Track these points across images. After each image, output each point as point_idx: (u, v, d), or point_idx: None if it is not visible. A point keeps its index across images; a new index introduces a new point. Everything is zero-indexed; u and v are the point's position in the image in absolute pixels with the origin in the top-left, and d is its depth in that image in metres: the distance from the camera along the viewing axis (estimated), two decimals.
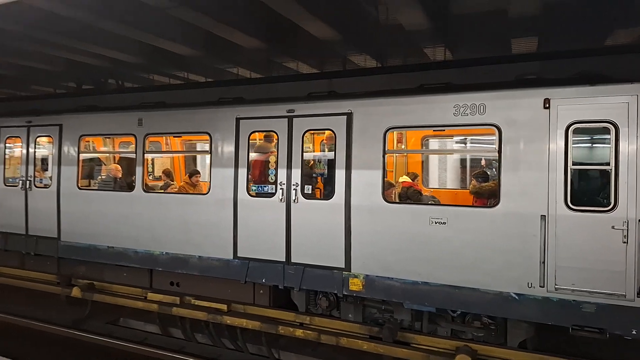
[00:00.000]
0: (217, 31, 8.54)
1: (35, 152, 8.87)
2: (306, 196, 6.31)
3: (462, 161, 7.57)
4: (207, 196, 7.05)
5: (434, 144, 7.10)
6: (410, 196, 6.33)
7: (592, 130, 5.14)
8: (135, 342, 6.73)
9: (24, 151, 8.93)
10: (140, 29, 9.04)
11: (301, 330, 6.17)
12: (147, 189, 7.76)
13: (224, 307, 6.62)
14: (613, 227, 4.74)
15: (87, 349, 6.71)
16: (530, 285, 5.08)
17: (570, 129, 5.00)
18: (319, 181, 6.81)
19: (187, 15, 7.88)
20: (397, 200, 6.26)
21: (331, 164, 6.34)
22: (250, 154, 6.82)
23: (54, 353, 6.62)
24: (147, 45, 10.21)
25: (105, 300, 7.72)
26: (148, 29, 9.12)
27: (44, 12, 8.48)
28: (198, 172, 7.59)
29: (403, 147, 7.28)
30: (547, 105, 5.07)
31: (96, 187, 8.51)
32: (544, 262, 5.00)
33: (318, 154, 7.07)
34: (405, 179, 6.83)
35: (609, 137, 4.88)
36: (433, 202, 6.36)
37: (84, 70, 13.60)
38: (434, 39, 8.44)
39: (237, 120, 6.88)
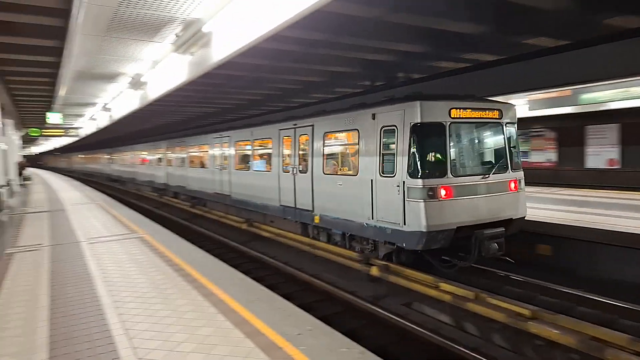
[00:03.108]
0: None
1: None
2: (300, 172, 10.84)
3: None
4: (270, 172, 12.22)
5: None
6: None
7: (390, 131, 8.19)
8: (428, 329, 6.68)
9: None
10: (425, 14, 8.94)
11: None
12: (259, 169, 13.29)
13: (527, 312, 5.83)
14: (395, 185, 7.93)
15: (385, 325, 7.04)
16: (369, 218, 8.55)
17: (382, 130, 8.34)
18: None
19: None
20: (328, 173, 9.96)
21: (308, 154, 10.59)
22: (282, 149, 11.65)
23: (359, 323, 7.21)
24: (433, 30, 10.07)
25: (399, 283, 8.09)
26: (433, 12, 8.94)
27: (342, 17, 9.39)
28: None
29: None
30: (374, 117, 8.52)
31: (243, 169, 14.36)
32: (372, 205, 8.43)
33: (305, 147, 10.86)
34: None
35: (395, 135, 8.03)
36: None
37: (377, 68, 14.68)
38: None
39: (279, 131, 11.88)
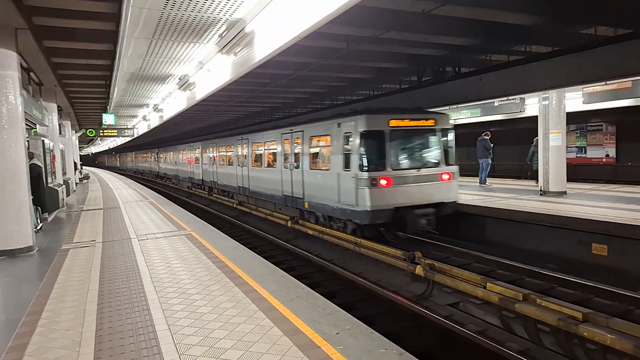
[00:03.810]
0: None
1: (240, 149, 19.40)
2: (295, 167, 13.62)
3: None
4: (275, 168, 15.18)
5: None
6: None
7: (349, 136, 10.73)
8: (474, 331, 6.43)
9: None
10: (475, 5, 8.62)
11: None
12: (268, 166, 16.31)
13: (579, 315, 5.49)
14: (351, 177, 10.48)
15: (429, 326, 6.86)
16: (337, 202, 11.24)
17: (344, 135, 10.89)
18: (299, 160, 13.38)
19: None
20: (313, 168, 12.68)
21: (300, 153, 13.38)
22: (283, 149, 14.46)
23: (402, 323, 7.07)
24: (484, 22, 9.70)
25: (445, 283, 7.85)
26: (484, 3, 8.61)
27: (388, 12, 9.22)
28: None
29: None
30: (339, 126, 11.14)
31: (257, 166, 17.45)
32: (339, 192, 11.08)
33: (298, 148, 13.62)
34: None
35: (352, 139, 10.60)
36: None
37: (425, 63, 14.34)
38: None
39: (281, 134, 14.66)
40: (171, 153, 34.82)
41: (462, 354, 6.12)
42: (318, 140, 12.59)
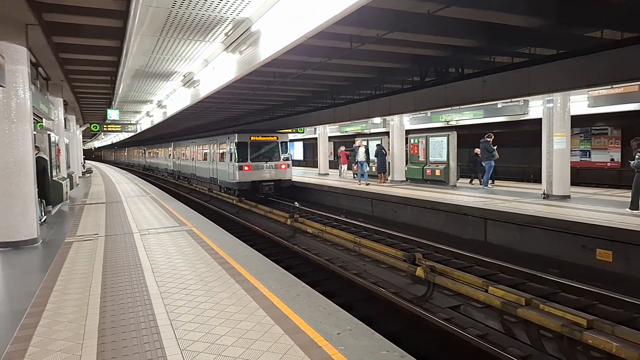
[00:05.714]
0: None
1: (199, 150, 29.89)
2: (214, 161, 25.21)
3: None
4: (207, 161, 26.63)
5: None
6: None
7: (232, 143, 21.91)
8: (475, 335, 6.43)
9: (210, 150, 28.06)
10: (481, 7, 8.61)
11: None
12: (204, 160, 27.39)
13: (583, 321, 5.46)
14: (232, 165, 21.74)
15: (429, 329, 6.86)
16: (229, 178, 22.25)
17: (231, 143, 22.22)
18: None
19: None
20: (220, 161, 24.69)
21: (216, 152, 24.90)
22: (211, 150, 25.83)
23: (402, 325, 7.07)
24: (488, 24, 9.68)
25: (447, 285, 7.84)
26: (490, 6, 8.59)
27: (392, 13, 9.20)
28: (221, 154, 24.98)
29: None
30: (229, 138, 22.57)
31: (199, 160, 29.05)
32: (228, 173, 22.37)
33: (215, 149, 25.02)
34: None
35: (232, 146, 21.97)
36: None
37: (427, 63, 14.31)
38: None
39: (209, 141, 26.06)
40: (154, 150, 47.21)
41: (464, 357, 6.11)
42: (222, 145, 23.30)
